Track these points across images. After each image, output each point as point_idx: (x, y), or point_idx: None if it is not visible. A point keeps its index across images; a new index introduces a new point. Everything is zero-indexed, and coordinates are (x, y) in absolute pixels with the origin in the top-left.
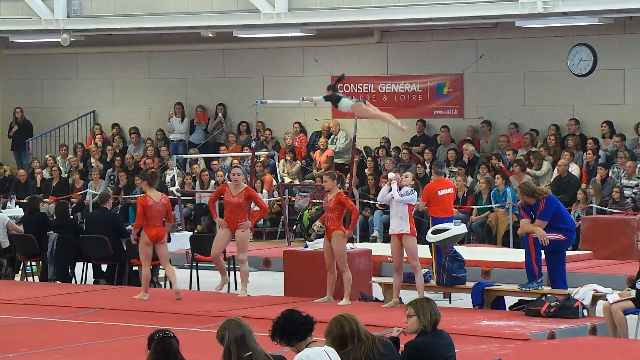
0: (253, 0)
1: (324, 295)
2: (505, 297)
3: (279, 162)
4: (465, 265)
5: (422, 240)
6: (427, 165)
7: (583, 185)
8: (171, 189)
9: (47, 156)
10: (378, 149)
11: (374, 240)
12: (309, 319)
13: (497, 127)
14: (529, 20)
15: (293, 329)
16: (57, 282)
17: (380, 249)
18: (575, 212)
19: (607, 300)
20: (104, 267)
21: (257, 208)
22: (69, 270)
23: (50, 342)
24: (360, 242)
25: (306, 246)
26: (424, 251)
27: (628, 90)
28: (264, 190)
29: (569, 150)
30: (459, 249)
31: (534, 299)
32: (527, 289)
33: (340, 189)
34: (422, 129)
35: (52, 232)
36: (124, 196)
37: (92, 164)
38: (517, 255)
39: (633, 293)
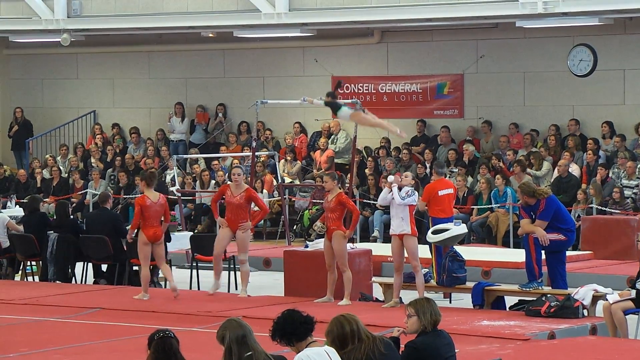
0: (253, 0)
1: (324, 295)
2: (505, 297)
3: (279, 162)
4: (465, 265)
5: (422, 240)
6: (427, 165)
7: (583, 186)
8: (171, 189)
9: (47, 156)
10: (378, 149)
11: (374, 240)
12: (309, 319)
13: (497, 127)
14: (529, 21)
15: (293, 329)
16: (57, 282)
17: (381, 249)
18: (575, 213)
19: (607, 300)
20: (104, 267)
21: (257, 209)
22: (69, 270)
23: (50, 342)
24: (360, 242)
25: (306, 246)
26: (424, 251)
27: (628, 90)
28: (265, 190)
29: (569, 150)
30: (459, 249)
31: (534, 299)
32: (527, 289)
33: (340, 189)
34: (422, 129)
35: (52, 232)
36: (124, 196)
37: (92, 164)
38: (517, 255)
39: (633, 293)
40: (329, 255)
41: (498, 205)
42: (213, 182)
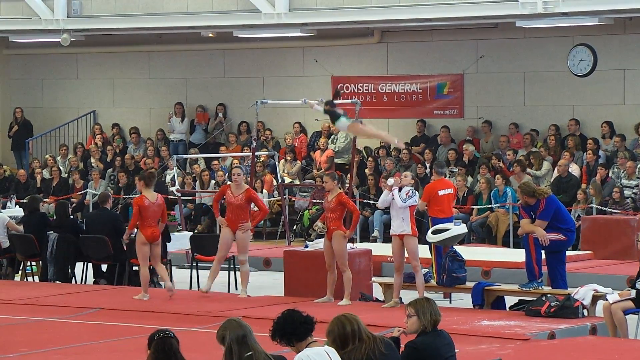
0: (253, 0)
1: (324, 295)
2: (505, 297)
3: (279, 162)
4: (465, 265)
5: (422, 240)
6: (427, 165)
7: (583, 186)
8: (171, 189)
9: (47, 156)
10: (378, 149)
11: (374, 240)
12: (309, 319)
13: (497, 127)
14: (529, 21)
15: (293, 329)
16: (57, 282)
17: (381, 249)
18: (575, 212)
19: (607, 300)
20: (104, 267)
21: (257, 209)
22: (69, 270)
23: (50, 342)
24: (360, 242)
25: (306, 246)
26: (424, 251)
27: (628, 90)
28: (264, 190)
29: (569, 150)
30: (459, 249)
31: (534, 299)
32: (527, 289)
33: (340, 189)
34: (422, 129)
35: (52, 232)
36: (124, 196)
37: (92, 164)
38: (517, 255)
39: (633, 293)
40: (329, 255)
41: (498, 205)
42: (213, 182)
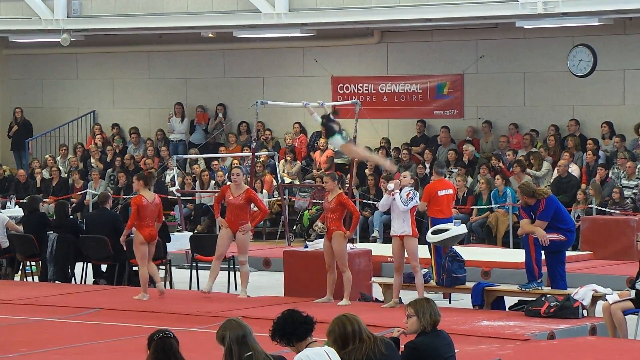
0: (253, 1)
1: (324, 296)
2: (505, 297)
3: (279, 162)
4: (465, 265)
5: (422, 240)
6: (427, 165)
7: (583, 186)
8: (171, 189)
9: (47, 156)
10: (378, 149)
11: (374, 241)
12: (309, 319)
13: (497, 127)
14: (529, 21)
15: (293, 329)
16: (57, 282)
17: (380, 249)
18: (575, 213)
19: (606, 300)
20: (103, 267)
21: (257, 209)
22: (69, 270)
23: (50, 342)
24: (360, 242)
25: (306, 246)
26: (424, 252)
27: (628, 90)
28: (264, 191)
29: (569, 150)
30: (458, 249)
31: (534, 299)
32: (527, 289)
33: (340, 189)
34: (422, 129)
35: (51, 232)
36: (124, 196)
37: (92, 164)
38: (517, 255)
39: (632, 293)
40: (329, 255)
41: (498, 205)
42: (213, 182)
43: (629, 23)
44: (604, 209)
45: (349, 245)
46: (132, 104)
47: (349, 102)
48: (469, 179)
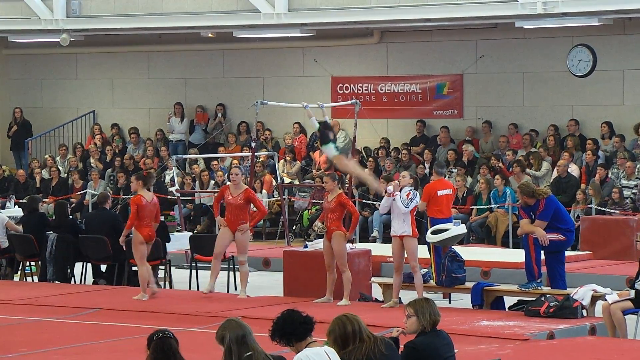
0: (253, 1)
1: (324, 296)
2: (504, 297)
3: (278, 162)
4: (464, 265)
5: (422, 240)
6: (427, 165)
7: (582, 186)
8: (171, 189)
9: (47, 156)
10: (378, 149)
11: (374, 241)
12: (309, 319)
13: (496, 127)
14: (529, 21)
15: (293, 329)
16: (57, 282)
17: (380, 249)
18: (574, 213)
19: (606, 300)
20: (103, 268)
21: (256, 209)
22: (68, 270)
23: (50, 342)
24: (359, 242)
25: (306, 246)
26: (424, 252)
27: (627, 90)
28: (264, 191)
29: (569, 150)
30: (458, 249)
31: (534, 299)
32: (527, 289)
33: (340, 189)
34: (421, 129)
35: (51, 232)
36: (124, 196)
37: (92, 164)
38: (517, 255)
39: (632, 293)
40: (329, 255)
41: (497, 205)
42: (212, 182)
43: (628, 23)
44: (604, 209)
45: (348, 245)
46: (131, 104)
47: (349, 102)
48: (469, 179)
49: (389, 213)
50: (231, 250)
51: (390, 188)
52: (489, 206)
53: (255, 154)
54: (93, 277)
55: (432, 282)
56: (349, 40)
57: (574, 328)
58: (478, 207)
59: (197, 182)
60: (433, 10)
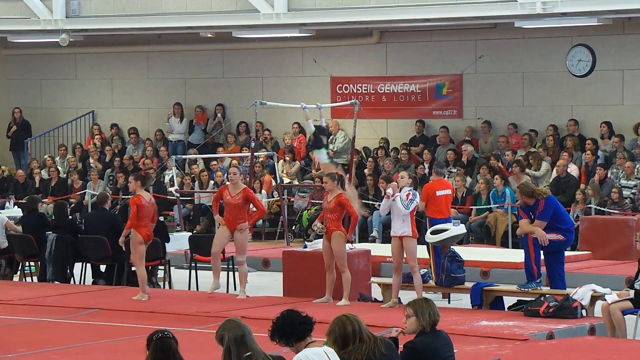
0: (252, 1)
1: (323, 296)
2: (504, 297)
3: (278, 162)
4: (464, 265)
5: (421, 240)
6: (426, 165)
7: (582, 186)
8: (170, 189)
9: (46, 156)
10: (377, 149)
11: (373, 241)
12: (308, 320)
13: (496, 127)
14: (528, 21)
15: (292, 329)
16: (56, 282)
17: (380, 250)
18: (574, 213)
19: (605, 300)
20: (102, 268)
21: (255, 209)
22: (68, 270)
23: (49, 343)
24: (359, 242)
25: (305, 246)
26: (424, 252)
27: (627, 90)
28: (263, 191)
29: (568, 150)
30: (457, 249)
31: (533, 299)
32: (526, 289)
33: (340, 189)
34: (421, 129)
35: (50, 232)
36: (123, 196)
37: (91, 165)
38: (516, 255)
39: (631, 293)
40: (328, 255)
41: (497, 205)
42: (212, 182)
43: (627, 23)
44: (603, 209)
45: (348, 246)
46: (131, 104)
47: (348, 102)
48: (468, 179)
49: (389, 213)
50: (230, 250)
51: (389, 191)
52: (488, 206)
53: (255, 154)
54: (92, 278)
55: (432, 282)
56: (348, 40)
57: (573, 328)
58: (477, 207)
59: (196, 182)
60: (432, 10)
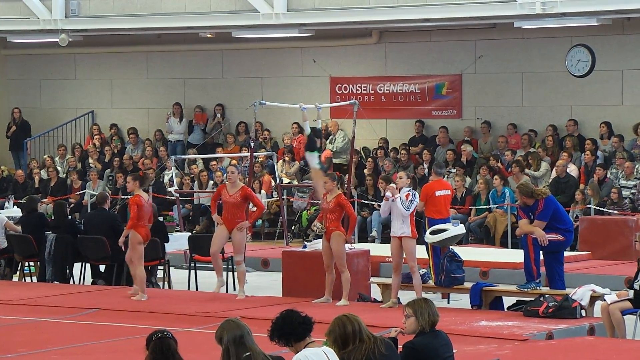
0: (251, 1)
1: (323, 296)
2: (503, 297)
3: (277, 162)
4: (463, 265)
5: (420, 240)
6: (426, 165)
7: (581, 186)
8: (169, 189)
9: (45, 156)
10: (376, 149)
11: (373, 241)
12: (308, 320)
13: (495, 127)
14: (528, 21)
15: (292, 329)
16: (55, 282)
17: (379, 250)
18: (573, 213)
19: (605, 300)
20: (102, 268)
21: (254, 208)
22: (67, 270)
23: (49, 343)
24: (358, 242)
25: (304, 247)
26: (423, 252)
27: (626, 90)
28: (263, 191)
29: (567, 150)
30: (457, 249)
31: (532, 299)
32: (526, 290)
33: (339, 190)
34: (420, 129)
35: (50, 232)
36: (122, 197)
37: (90, 165)
38: (515, 255)
39: (631, 293)
40: (328, 255)
41: (496, 205)
42: (211, 182)
43: (627, 23)
44: (603, 209)
45: (347, 246)
46: (130, 104)
47: (348, 102)
48: (468, 179)
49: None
50: (230, 250)
51: (388, 194)
52: (487, 206)
53: (254, 154)
54: (92, 278)
55: (431, 283)
56: (347, 40)
57: (572, 328)
58: (477, 207)
59: (195, 183)
60: (432, 10)
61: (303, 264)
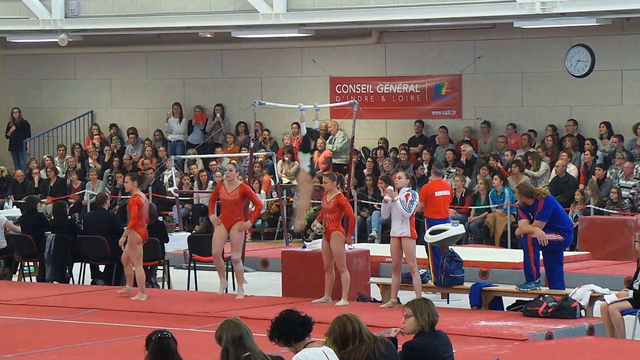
0: (251, 1)
1: (322, 296)
2: (503, 297)
3: (277, 162)
4: (463, 265)
5: (420, 240)
6: (425, 166)
7: (581, 186)
8: (169, 189)
9: (45, 156)
10: (376, 149)
11: (372, 241)
12: (307, 320)
13: (495, 127)
14: (527, 21)
15: (291, 329)
16: (55, 282)
17: (379, 250)
18: (573, 213)
19: (604, 300)
20: (101, 268)
21: (253, 208)
22: (67, 270)
23: (48, 343)
24: (358, 242)
25: (304, 247)
26: (423, 252)
27: (626, 91)
28: (262, 191)
29: (567, 151)
30: (456, 249)
31: (532, 299)
32: (525, 290)
33: (339, 190)
34: (420, 129)
35: (49, 232)
36: (122, 197)
37: (90, 165)
38: (515, 255)
39: (630, 293)
40: (327, 255)
41: (496, 205)
42: (211, 182)
43: (626, 23)
44: (602, 209)
45: (346, 246)
46: (130, 104)
47: (347, 102)
48: (467, 179)
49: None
50: (229, 250)
51: (387, 197)
52: (487, 206)
53: (254, 154)
54: (91, 278)
55: (431, 283)
56: (347, 40)
57: (572, 328)
58: (476, 207)
59: (195, 183)
60: (431, 10)
61: (303, 264)
